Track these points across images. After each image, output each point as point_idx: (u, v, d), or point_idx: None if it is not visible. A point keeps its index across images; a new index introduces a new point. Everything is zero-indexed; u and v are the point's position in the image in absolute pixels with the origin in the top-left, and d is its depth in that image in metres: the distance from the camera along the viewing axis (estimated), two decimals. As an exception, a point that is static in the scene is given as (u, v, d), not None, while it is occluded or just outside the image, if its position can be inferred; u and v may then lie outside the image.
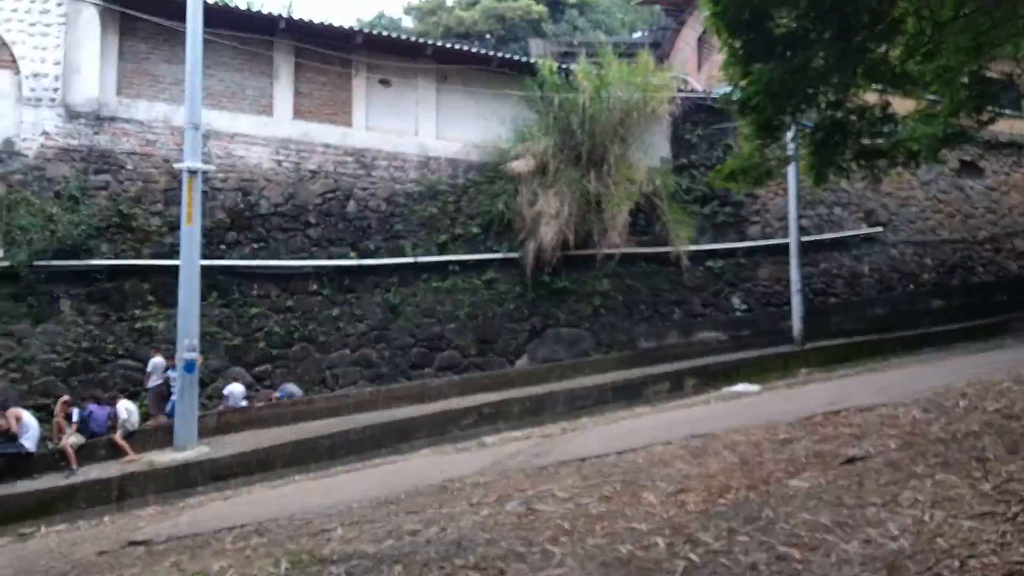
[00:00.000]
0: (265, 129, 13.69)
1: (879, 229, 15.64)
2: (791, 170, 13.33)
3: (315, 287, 13.36)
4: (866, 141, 8.55)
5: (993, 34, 7.00)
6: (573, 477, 5.68)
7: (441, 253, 14.17)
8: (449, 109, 14.81)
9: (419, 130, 14.68)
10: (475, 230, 14.44)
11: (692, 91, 14.99)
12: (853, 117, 8.05)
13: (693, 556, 3.50)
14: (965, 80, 8.48)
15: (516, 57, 15.51)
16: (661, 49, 22.55)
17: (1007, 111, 15.99)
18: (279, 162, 13.63)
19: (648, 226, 14.69)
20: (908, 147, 8.73)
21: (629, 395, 12.72)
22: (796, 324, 13.46)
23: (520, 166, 14.10)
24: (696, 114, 15.21)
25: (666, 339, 14.20)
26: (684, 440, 7.86)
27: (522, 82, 14.56)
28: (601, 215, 14.23)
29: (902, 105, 9.73)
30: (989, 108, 10.59)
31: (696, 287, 14.78)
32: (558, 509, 4.61)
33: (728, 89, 8.56)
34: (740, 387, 12.23)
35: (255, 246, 13.12)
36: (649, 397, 12.71)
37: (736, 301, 14.96)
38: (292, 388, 12.75)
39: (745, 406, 9.76)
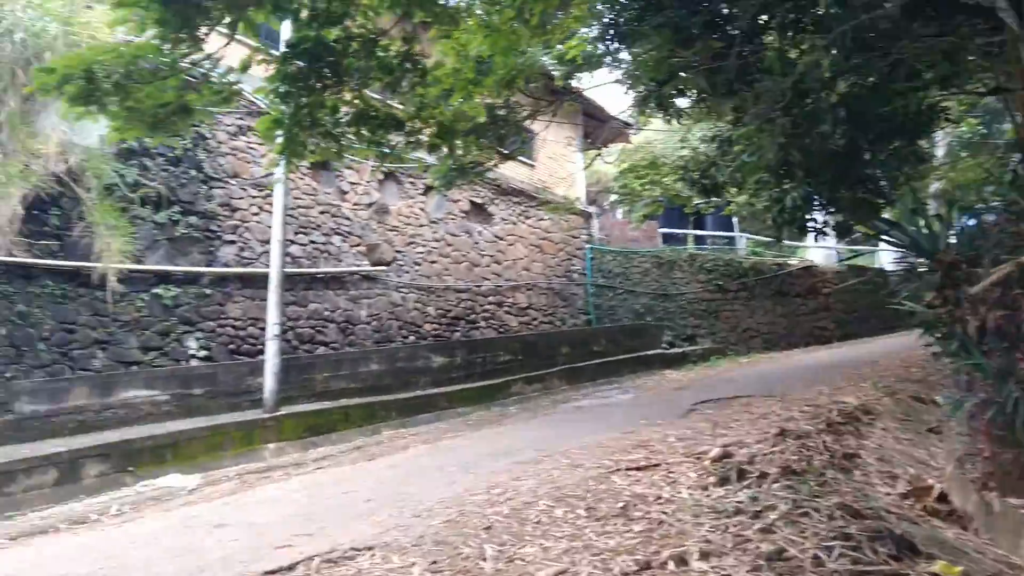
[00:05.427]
0: None
1: (383, 268, 13.03)
2: (281, 185, 9.86)
3: None
4: (377, 101, 5.34)
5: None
6: None
7: None
8: None
9: None
10: None
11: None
12: (355, 45, 4.69)
13: None
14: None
15: None
16: None
17: (523, 159, 15.04)
18: None
19: (64, 228, 9.51)
20: (443, 122, 5.72)
21: (-35, 499, 7.29)
22: (269, 381, 9.66)
23: None
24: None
25: (69, 399, 9.04)
26: None
27: None
28: (-25, 200, 8.72)
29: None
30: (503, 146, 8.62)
31: (134, 322, 9.93)
32: None
33: None
34: (170, 479, 7.96)
35: None
36: (16, 502, 7.53)
37: (193, 345, 10.57)
38: None
39: (131, 540, 5.41)
